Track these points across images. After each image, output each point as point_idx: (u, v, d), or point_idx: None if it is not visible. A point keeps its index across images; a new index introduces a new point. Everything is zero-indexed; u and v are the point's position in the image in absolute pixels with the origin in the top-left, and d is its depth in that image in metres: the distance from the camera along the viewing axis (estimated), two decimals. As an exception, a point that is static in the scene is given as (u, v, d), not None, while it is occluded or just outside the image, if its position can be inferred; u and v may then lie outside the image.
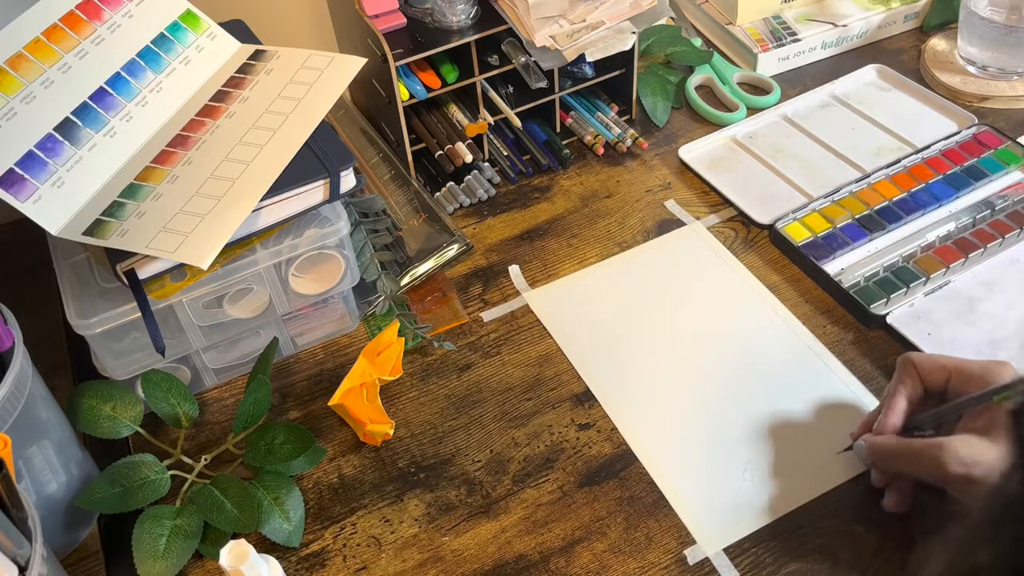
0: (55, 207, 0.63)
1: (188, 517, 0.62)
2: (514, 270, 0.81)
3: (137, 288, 0.62)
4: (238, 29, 0.79)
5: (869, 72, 0.98)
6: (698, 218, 0.84)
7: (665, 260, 0.80)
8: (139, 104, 0.70)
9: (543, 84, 0.87)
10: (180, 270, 0.65)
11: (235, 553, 0.50)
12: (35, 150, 0.64)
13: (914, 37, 1.03)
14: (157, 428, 0.68)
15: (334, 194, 0.68)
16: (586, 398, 0.70)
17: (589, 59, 0.81)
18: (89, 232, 0.62)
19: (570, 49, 0.80)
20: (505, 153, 0.91)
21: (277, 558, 0.58)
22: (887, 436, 0.59)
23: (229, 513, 0.61)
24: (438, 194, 0.88)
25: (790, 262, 0.79)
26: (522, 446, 0.67)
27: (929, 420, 0.59)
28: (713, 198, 0.86)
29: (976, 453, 0.53)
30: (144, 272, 0.63)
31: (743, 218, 0.83)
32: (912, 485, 0.59)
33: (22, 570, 0.46)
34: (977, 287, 0.74)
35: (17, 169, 0.62)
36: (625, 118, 0.95)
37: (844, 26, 1.00)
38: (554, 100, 0.90)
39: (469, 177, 0.88)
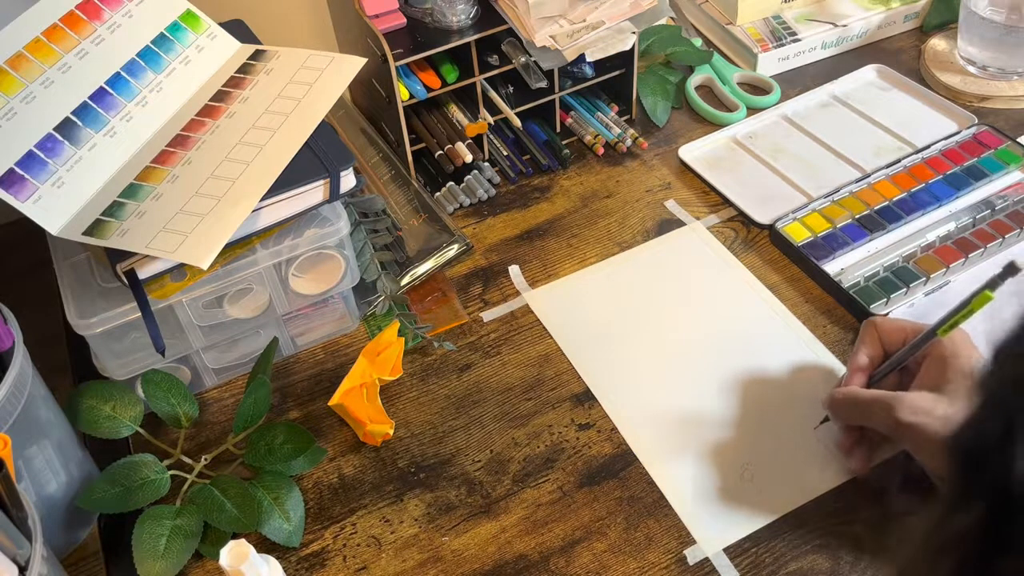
0: (55, 207, 0.63)
1: (188, 517, 0.62)
2: (514, 270, 0.81)
3: (137, 288, 0.62)
4: (238, 29, 0.79)
5: (869, 72, 0.98)
6: (698, 218, 0.84)
7: (665, 260, 0.80)
8: (139, 104, 0.70)
9: (543, 84, 0.87)
10: (180, 270, 0.65)
11: (235, 553, 0.50)
12: (35, 150, 0.64)
13: (914, 37, 1.03)
14: (157, 428, 0.68)
15: (334, 194, 0.68)
16: (586, 398, 0.70)
17: (589, 59, 0.81)
18: (89, 232, 0.63)
19: (570, 49, 0.80)
20: (505, 153, 0.91)
21: (277, 558, 0.58)
22: (844, 388, 0.61)
23: (229, 513, 0.61)
24: (438, 194, 0.88)
25: (790, 262, 0.79)
26: (522, 446, 0.67)
27: (885, 370, 0.61)
28: (713, 198, 0.86)
29: (927, 404, 0.56)
30: (144, 272, 0.63)
31: (743, 218, 0.83)
32: (870, 448, 0.62)
33: (22, 570, 0.46)
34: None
35: (17, 169, 0.62)
36: (625, 118, 0.95)
37: (844, 26, 1.00)
38: (554, 100, 0.90)
39: (469, 177, 0.88)
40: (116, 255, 0.62)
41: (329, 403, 0.66)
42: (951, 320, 0.56)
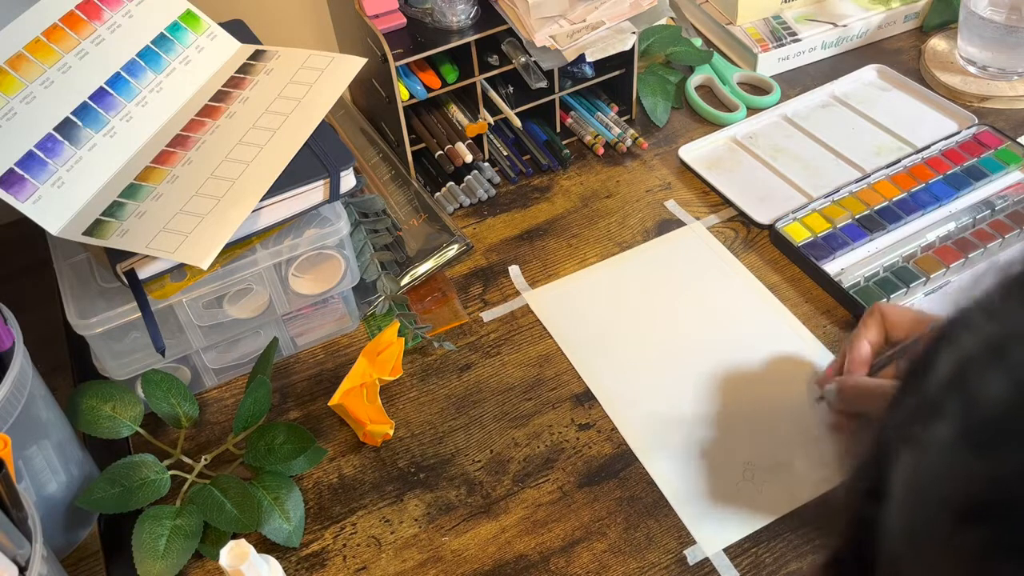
0: (55, 207, 0.63)
1: (188, 517, 0.62)
2: (514, 270, 0.81)
3: (137, 288, 0.62)
4: (238, 29, 0.79)
5: (869, 72, 0.98)
6: (698, 218, 0.84)
7: (665, 260, 0.80)
8: (139, 104, 0.70)
9: (543, 84, 0.87)
10: (180, 270, 0.65)
11: (235, 553, 0.50)
12: (35, 150, 0.64)
13: (914, 37, 1.03)
14: (157, 428, 0.68)
15: (334, 194, 0.68)
16: (586, 398, 0.70)
17: (589, 59, 0.81)
18: (89, 232, 0.63)
19: (570, 49, 0.80)
20: (505, 153, 0.91)
21: (277, 558, 0.58)
22: (856, 377, 0.60)
23: (229, 513, 0.61)
24: (438, 194, 0.88)
25: (790, 262, 0.79)
26: (522, 446, 0.67)
27: (887, 359, 0.60)
28: (713, 198, 0.86)
29: None
30: (144, 272, 0.63)
31: (743, 218, 0.83)
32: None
33: (22, 570, 0.46)
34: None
35: (17, 169, 0.62)
36: (625, 118, 0.95)
37: (844, 26, 1.00)
38: (554, 100, 0.90)
39: (469, 177, 0.88)
40: (116, 255, 0.62)
41: (329, 403, 0.66)
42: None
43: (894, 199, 0.82)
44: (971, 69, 0.95)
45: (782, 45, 0.99)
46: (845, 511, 0.26)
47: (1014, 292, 0.22)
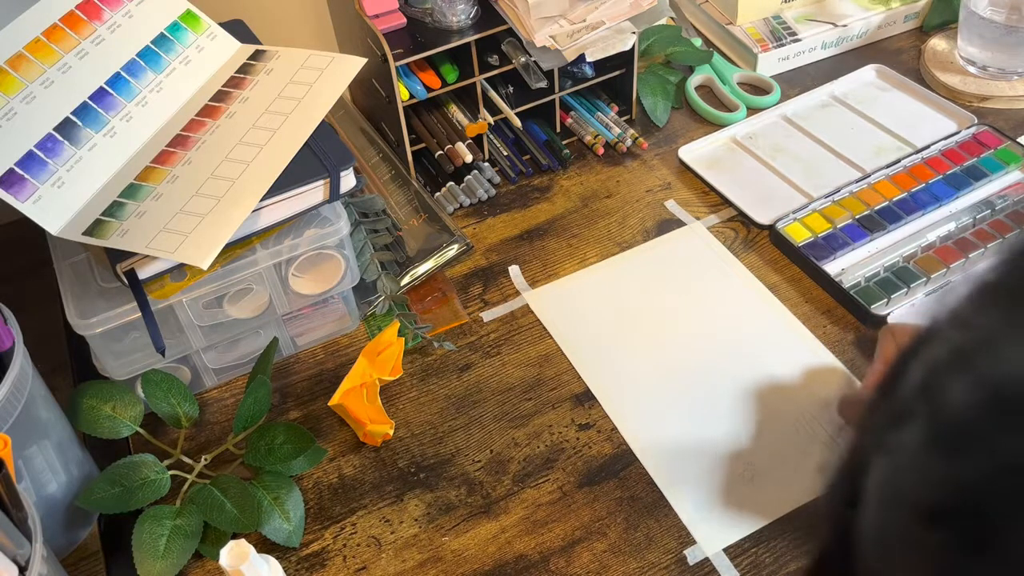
0: (55, 207, 0.63)
1: (188, 517, 0.62)
2: (514, 270, 0.81)
3: (137, 288, 0.62)
4: (238, 29, 0.79)
5: (869, 72, 0.98)
6: (698, 218, 0.84)
7: (665, 260, 0.80)
8: (139, 104, 0.70)
9: (543, 84, 0.87)
10: (180, 270, 0.65)
11: (235, 553, 0.50)
12: (35, 150, 0.64)
13: (914, 37, 1.03)
14: (157, 428, 0.68)
15: (334, 194, 0.68)
16: (586, 398, 0.70)
17: (589, 59, 0.81)
18: (89, 232, 0.63)
19: (570, 49, 0.80)
20: (505, 153, 0.91)
21: (277, 558, 0.58)
22: (850, 392, 0.61)
23: (229, 513, 0.61)
24: (438, 194, 0.88)
25: (790, 262, 0.79)
26: (522, 446, 0.67)
27: None
28: (713, 198, 0.86)
29: None
30: (144, 272, 0.63)
31: (743, 218, 0.83)
32: None
33: (22, 570, 0.46)
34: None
35: (17, 169, 0.62)
36: (625, 118, 0.95)
37: (844, 26, 1.00)
38: (554, 100, 0.90)
39: (469, 177, 0.88)
40: (116, 255, 0.62)
41: (329, 403, 0.66)
42: None
43: (894, 199, 0.82)
44: (971, 69, 0.95)
45: (782, 45, 0.99)
46: (825, 516, 0.26)
47: (983, 301, 0.22)
